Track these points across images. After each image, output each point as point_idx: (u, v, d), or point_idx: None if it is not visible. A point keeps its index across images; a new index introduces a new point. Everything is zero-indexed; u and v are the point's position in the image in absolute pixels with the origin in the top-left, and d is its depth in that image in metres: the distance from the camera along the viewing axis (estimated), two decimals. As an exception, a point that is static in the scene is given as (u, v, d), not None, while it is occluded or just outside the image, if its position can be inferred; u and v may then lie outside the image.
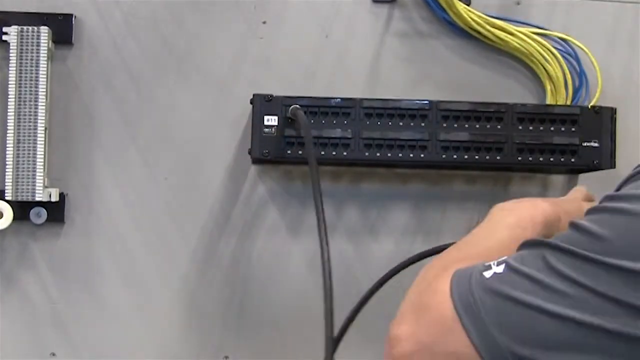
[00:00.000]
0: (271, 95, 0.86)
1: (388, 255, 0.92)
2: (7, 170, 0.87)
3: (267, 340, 0.92)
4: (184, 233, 0.92)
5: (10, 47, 0.87)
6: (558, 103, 0.92)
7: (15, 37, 0.87)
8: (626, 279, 0.50)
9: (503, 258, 0.55)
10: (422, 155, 0.86)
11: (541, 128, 0.87)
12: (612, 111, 0.88)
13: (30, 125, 0.87)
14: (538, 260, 0.53)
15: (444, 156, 0.86)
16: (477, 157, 0.86)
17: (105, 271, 0.92)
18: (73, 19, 0.91)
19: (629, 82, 0.94)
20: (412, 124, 0.86)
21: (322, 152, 0.85)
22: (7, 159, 0.87)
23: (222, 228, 0.92)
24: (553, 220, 0.68)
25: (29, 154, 0.87)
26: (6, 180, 0.87)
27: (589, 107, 0.88)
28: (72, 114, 0.92)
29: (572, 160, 0.87)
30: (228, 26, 0.93)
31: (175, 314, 0.92)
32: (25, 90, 0.87)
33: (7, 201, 0.87)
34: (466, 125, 0.86)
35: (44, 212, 0.90)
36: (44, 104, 0.88)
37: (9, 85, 0.87)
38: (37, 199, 0.87)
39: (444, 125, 0.86)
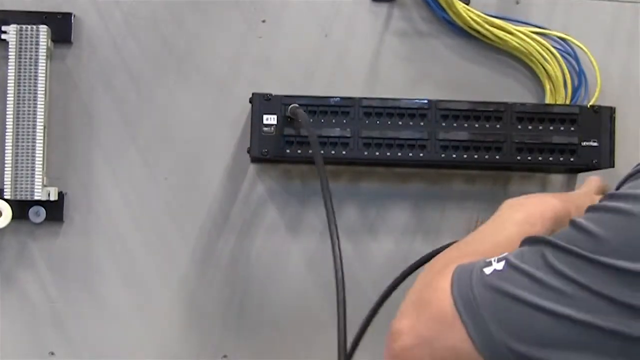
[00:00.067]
0: (270, 94, 0.86)
1: (387, 254, 0.92)
2: (6, 169, 0.87)
3: (266, 339, 0.92)
4: (183, 232, 0.92)
5: (9, 46, 0.87)
6: (557, 102, 0.92)
7: (15, 35, 0.87)
8: (621, 278, 0.50)
9: (504, 255, 0.55)
10: (421, 155, 0.86)
11: (540, 127, 0.87)
12: (611, 110, 0.88)
13: (29, 124, 0.87)
14: (537, 258, 0.53)
15: (443, 155, 0.86)
16: (476, 156, 0.86)
17: (104, 270, 0.92)
18: (72, 17, 0.91)
19: (628, 82, 0.94)
20: (411, 123, 0.86)
21: (321, 151, 0.85)
22: (6, 158, 0.87)
23: (221, 227, 0.92)
24: (563, 216, 0.68)
25: (27, 152, 0.87)
26: (5, 179, 0.87)
27: (588, 106, 0.88)
28: (71, 113, 0.92)
29: (571, 159, 0.87)
30: (227, 25, 0.93)
31: (175, 313, 0.92)
32: (24, 89, 0.87)
33: (6, 200, 0.87)
34: (465, 125, 0.86)
35: (42, 211, 0.90)
36: (43, 102, 0.88)
37: (8, 84, 0.87)
38: (36, 197, 0.87)
39: (443, 124, 0.86)
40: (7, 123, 0.87)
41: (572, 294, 0.51)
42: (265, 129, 0.86)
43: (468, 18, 0.91)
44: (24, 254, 0.91)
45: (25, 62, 0.87)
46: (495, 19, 0.92)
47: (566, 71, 0.92)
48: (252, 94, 0.87)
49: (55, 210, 0.90)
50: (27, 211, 0.89)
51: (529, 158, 0.86)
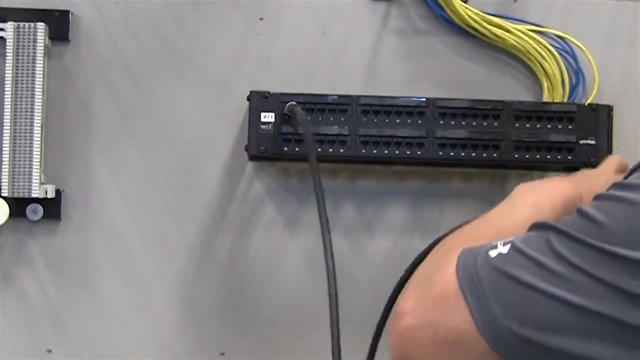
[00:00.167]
0: (268, 92, 0.86)
1: (385, 252, 0.92)
2: (3, 166, 0.87)
3: (263, 336, 0.92)
4: (181, 230, 0.92)
5: (7, 43, 0.87)
6: (555, 101, 0.92)
7: (12, 33, 0.87)
8: (625, 266, 0.50)
9: (510, 239, 0.56)
10: (419, 153, 0.86)
11: (538, 125, 0.87)
12: (609, 109, 0.88)
13: (26, 122, 0.87)
14: (542, 243, 0.54)
15: (440, 153, 0.86)
16: (474, 154, 0.86)
17: (101, 268, 0.92)
18: (70, 15, 0.91)
19: (626, 80, 0.94)
20: (409, 121, 0.86)
21: (319, 149, 0.85)
22: (3, 155, 0.87)
23: (219, 225, 0.92)
24: (574, 200, 0.68)
25: (25, 150, 0.87)
26: (2, 177, 0.87)
27: (586, 104, 0.88)
28: (68, 110, 0.92)
29: (569, 157, 0.87)
30: (225, 23, 0.93)
31: (172, 310, 0.92)
32: (22, 87, 0.87)
33: (4, 197, 0.87)
34: (463, 123, 0.87)
35: (40, 209, 0.90)
36: (40, 100, 0.88)
37: (5, 82, 0.87)
38: (34, 195, 0.87)
39: (441, 122, 0.86)
40: (4, 121, 0.87)
41: (575, 280, 0.51)
42: (263, 126, 0.86)
43: (466, 16, 0.91)
44: (22, 251, 0.91)
45: (23, 59, 0.87)
46: (493, 17, 0.92)
47: (564, 69, 0.92)
48: (250, 91, 0.87)
49: (52, 207, 0.90)
50: (24, 209, 0.89)
51: (527, 156, 0.86)
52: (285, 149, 0.86)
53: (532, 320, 0.52)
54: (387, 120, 0.86)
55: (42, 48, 0.87)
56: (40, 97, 0.88)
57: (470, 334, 0.53)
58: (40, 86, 0.88)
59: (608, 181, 0.75)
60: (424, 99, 0.87)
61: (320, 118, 0.86)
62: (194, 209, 0.92)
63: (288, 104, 0.85)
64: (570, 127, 0.87)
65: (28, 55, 0.87)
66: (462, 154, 0.86)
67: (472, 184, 0.94)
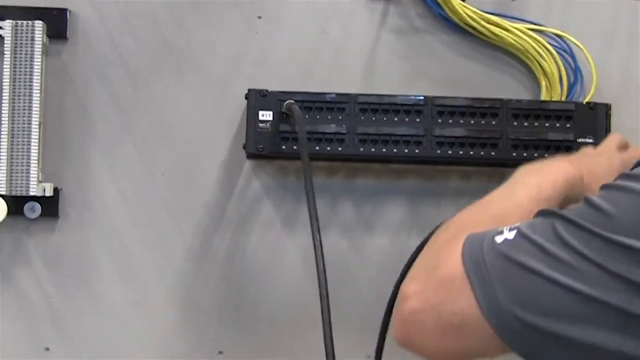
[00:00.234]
0: (266, 91, 0.86)
1: (383, 250, 0.92)
2: (1, 164, 0.87)
3: (261, 335, 0.92)
4: (179, 228, 0.92)
5: (5, 41, 0.87)
6: (553, 99, 0.92)
7: (10, 31, 0.87)
8: (630, 256, 0.51)
9: (516, 224, 0.56)
10: (417, 151, 0.86)
11: (536, 124, 0.87)
12: (607, 107, 0.88)
13: (24, 120, 0.87)
14: (548, 230, 0.54)
15: (438, 152, 0.86)
16: (472, 152, 0.86)
17: (100, 266, 0.92)
18: (68, 13, 0.91)
19: (624, 79, 0.94)
20: (407, 119, 0.87)
21: (317, 148, 0.85)
22: (1, 154, 0.87)
23: (218, 223, 0.92)
24: (576, 180, 0.68)
25: (23, 148, 0.87)
26: (0, 175, 0.87)
27: (584, 103, 0.88)
28: (66, 108, 0.92)
29: (567, 156, 0.87)
30: (224, 21, 0.93)
31: (171, 309, 0.92)
32: (20, 85, 0.87)
33: (1, 195, 0.87)
34: (461, 121, 0.87)
35: (38, 207, 0.89)
36: (38, 98, 0.88)
37: (3, 80, 0.87)
38: (31, 193, 0.87)
39: (439, 120, 0.86)
40: (2, 119, 0.87)
41: (580, 268, 0.52)
42: (261, 125, 0.86)
43: (464, 14, 0.91)
44: (20, 250, 0.91)
45: (21, 57, 0.87)
46: (491, 15, 0.92)
47: (562, 68, 0.92)
48: (248, 90, 0.87)
49: (50, 206, 0.90)
50: (22, 207, 0.89)
51: (525, 154, 0.86)
52: (283, 147, 0.86)
53: (537, 306, 0.52)
54: (385, 119, 0.86)
55: (40, 46, 0.87)
56: (38, 95, 0.88)
57: (474, 318, 0.54)
58: (38, 84, 0.88)
59: (611, 159, 0.75)
60: (422, 97, 0.87)
61: (318, 116, 0.86)
62: (192, 207, 0.92)
63: (286, 102, 0.85)
64: (568, 125, 0.87)
65: (26, 54, 0.87)
66: (460, 152, 0.86)
67: (470, 182, 0.94)
